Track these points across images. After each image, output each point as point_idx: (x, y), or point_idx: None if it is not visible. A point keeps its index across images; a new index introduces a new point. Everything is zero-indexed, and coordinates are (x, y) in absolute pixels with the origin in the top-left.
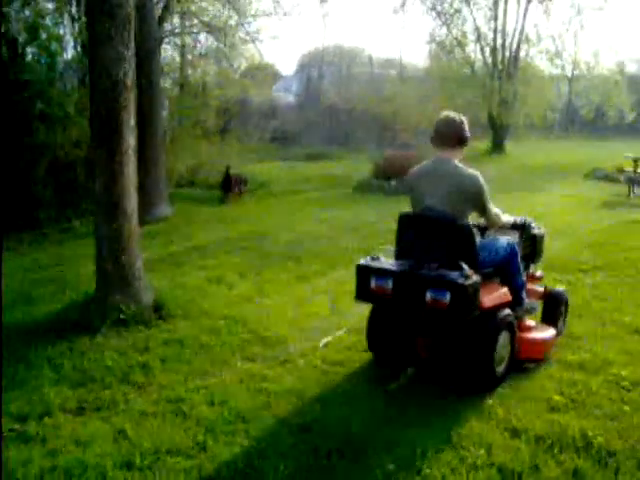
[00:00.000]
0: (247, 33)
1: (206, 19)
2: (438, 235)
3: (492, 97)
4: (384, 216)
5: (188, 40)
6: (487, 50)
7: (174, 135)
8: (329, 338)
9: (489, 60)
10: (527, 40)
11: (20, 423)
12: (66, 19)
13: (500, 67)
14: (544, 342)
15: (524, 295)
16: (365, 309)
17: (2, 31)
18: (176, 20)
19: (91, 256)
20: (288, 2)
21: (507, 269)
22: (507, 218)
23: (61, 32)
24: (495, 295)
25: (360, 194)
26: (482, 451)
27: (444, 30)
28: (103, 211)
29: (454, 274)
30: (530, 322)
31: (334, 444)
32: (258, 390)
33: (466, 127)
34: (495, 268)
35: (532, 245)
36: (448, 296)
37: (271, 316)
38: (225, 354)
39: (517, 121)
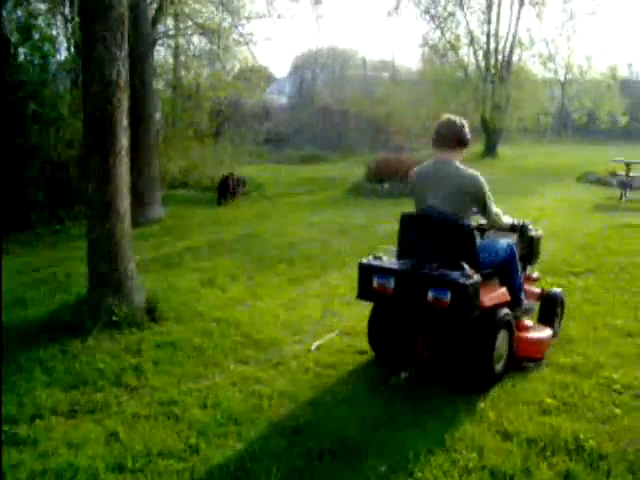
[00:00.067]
0: (241, 35)
1: (200, 21)
2: (440, 235)
3: (485, 101)
4: (377, 219)
5: (181, 42)
6: (480, 54)
7: (167, 136)
8: (321, 341)
9: (482, 64)
10: (520, 44)
11: (11, 425)
12: (59, 20)
13: (493, 71)
14: (541, 341)
15: (523, 296)
16: (357, 312)
17: None
18: (170, 21)
19: (84, 258)
20: (282, 4)
21: (507, 270)
22: (506, 219)
23: (54, 33)
24: (495, 295)
25: (353, 197)
26: (474, 454)
27: (437, 33)
28: (96, 211)
29: (455, 274)
30: (528, 322)
31: (326, 446)
32: (250, 393)
33: (467, 130)
34: (495, 269)
35: (529, 247)
36: (449, 295)
37: (264, 319)
38: (218, 357)
39: (510, 125)
